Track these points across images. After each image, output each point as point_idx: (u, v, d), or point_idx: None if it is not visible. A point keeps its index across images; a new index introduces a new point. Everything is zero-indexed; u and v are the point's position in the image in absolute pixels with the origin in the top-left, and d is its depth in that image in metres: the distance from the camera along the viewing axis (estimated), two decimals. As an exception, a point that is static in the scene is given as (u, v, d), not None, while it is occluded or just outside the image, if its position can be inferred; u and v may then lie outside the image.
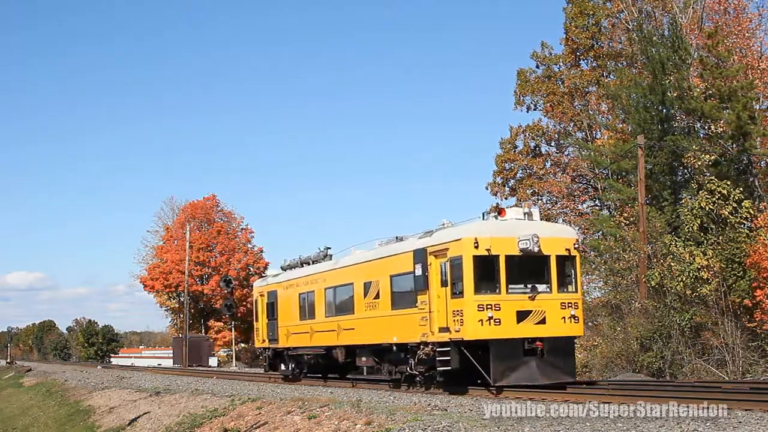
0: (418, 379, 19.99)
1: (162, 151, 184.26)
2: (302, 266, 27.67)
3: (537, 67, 45.74)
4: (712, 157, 29.99)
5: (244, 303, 70.97)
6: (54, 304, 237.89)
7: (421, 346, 19.04)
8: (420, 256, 19.08)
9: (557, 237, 18.98)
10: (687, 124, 33.20)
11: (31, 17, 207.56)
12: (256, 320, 30.39)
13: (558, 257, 18.60)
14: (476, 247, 17.74)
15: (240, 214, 77.71)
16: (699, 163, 29.80)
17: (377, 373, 23.72)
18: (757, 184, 30.71)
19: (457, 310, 17.90)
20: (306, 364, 26.92)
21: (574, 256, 19.04)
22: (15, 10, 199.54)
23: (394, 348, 20.52)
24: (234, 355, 61.79)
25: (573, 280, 19.07)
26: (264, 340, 29.47)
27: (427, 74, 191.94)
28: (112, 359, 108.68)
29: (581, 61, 44.49)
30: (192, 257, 63.63)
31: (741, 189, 27.92)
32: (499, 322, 17.60)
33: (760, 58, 31.94)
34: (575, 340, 19.94)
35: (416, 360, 19.42)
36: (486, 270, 17.95)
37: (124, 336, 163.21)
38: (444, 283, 18.44)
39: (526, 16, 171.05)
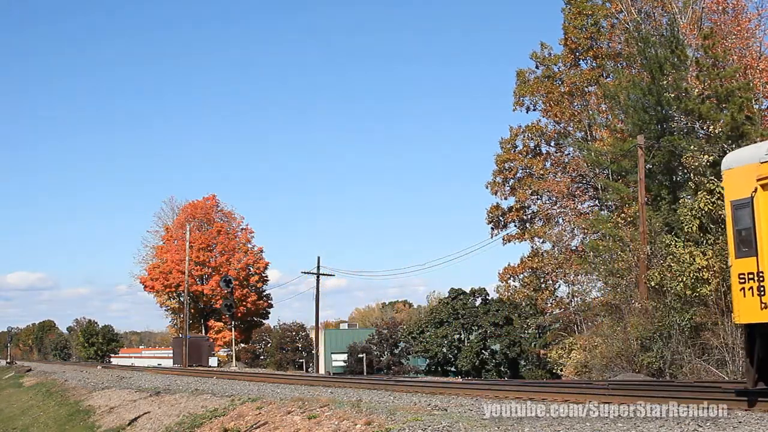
0: None
1: (162, 151, 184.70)
2: None
3: (536, 67, 45.89)
4: (711, 157, 29.96)
5: (244, 303, 71.10)
6: (54, 304, 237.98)
7: None
8: None
9: None
10: (686, 125, 33.19)
11: (32, 17, 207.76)
12: (745, 253, 12.19)
13: None
14: None
15: (240, 214, 78.07)
16: (696, 164, 29.80)
17: None
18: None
19: None
20: None
21: None
22: (15, 11, 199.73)
23: None
24: (234, 355, 61.80)
25: None
26: None
27: (426, 74, 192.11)
28: (112, 359, 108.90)
29: (580, 62, 44.56)
30: (192, 257, 63.63)
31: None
32: None
33: (759, 58, 31.96)
34: None
35: None
36: None
37: (124, 336, 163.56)
38: None
39: (526, 17, 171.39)
